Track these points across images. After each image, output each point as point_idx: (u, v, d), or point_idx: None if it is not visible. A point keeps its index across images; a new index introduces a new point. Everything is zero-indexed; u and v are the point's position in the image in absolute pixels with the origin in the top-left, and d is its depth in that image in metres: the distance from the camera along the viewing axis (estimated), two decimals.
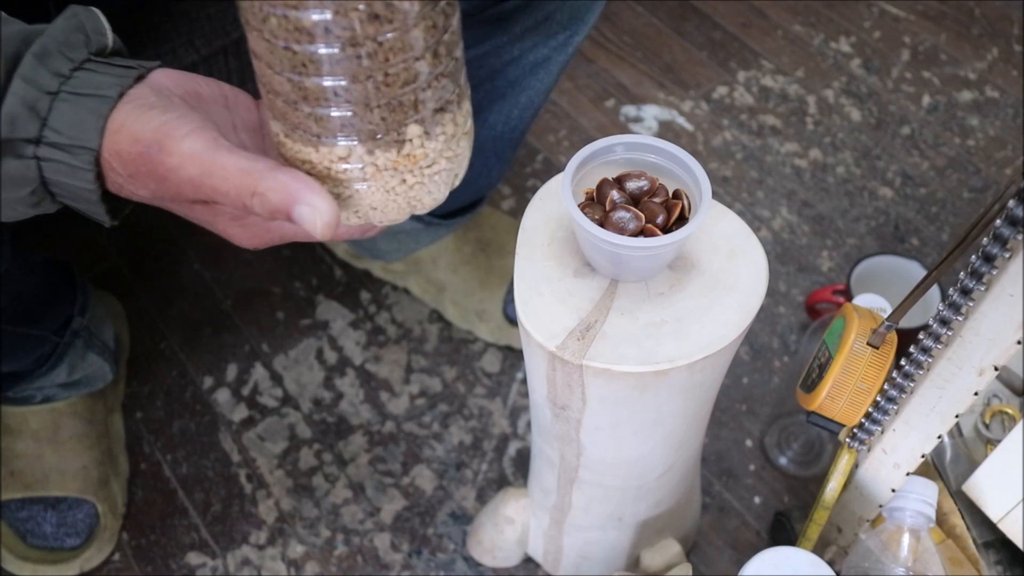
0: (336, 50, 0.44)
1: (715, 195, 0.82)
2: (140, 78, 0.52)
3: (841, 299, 1.05)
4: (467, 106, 0.52)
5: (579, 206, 0.60)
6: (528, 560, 0.94)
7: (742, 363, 1.10)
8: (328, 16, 0.43)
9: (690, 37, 1.48)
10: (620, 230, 0.60)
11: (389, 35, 0.44)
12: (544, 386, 0.66)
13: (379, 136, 0.48)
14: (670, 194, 0.63)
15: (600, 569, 0.88)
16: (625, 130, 1.34)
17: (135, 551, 0.96)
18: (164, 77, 0.53)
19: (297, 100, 0.47)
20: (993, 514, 0.76)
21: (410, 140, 0.49)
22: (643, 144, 0.64)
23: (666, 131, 1.34)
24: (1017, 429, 0.73)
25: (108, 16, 0.55)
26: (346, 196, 0.51)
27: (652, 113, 1.37)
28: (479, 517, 0.93)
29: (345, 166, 0.49)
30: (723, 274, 0.65)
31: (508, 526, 0.89)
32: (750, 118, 1.36)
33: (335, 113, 0.47)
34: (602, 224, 0.60)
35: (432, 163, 0.51)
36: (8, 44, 0.49)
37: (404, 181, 0.51)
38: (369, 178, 0.50)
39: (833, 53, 1.46)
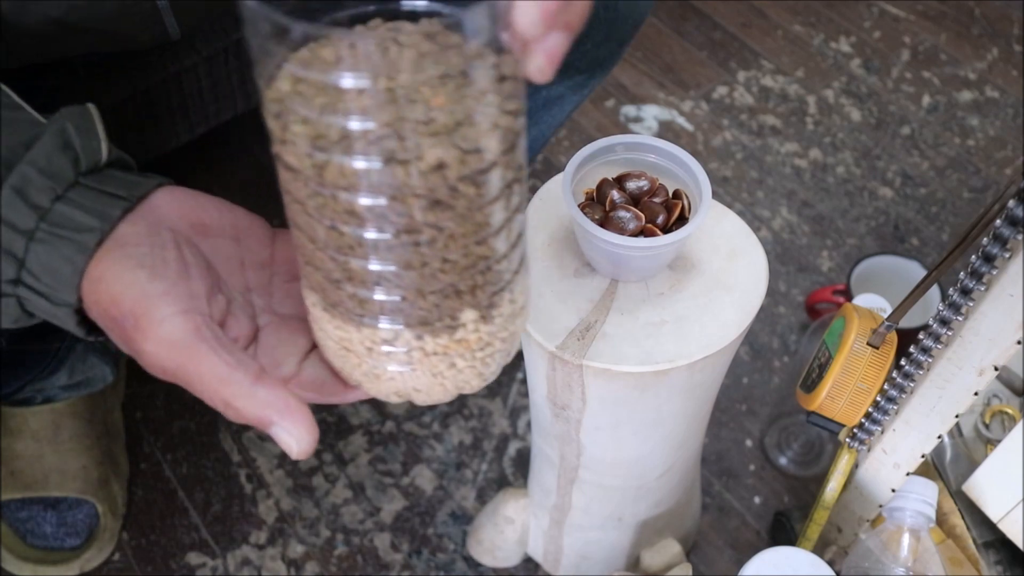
0: (389, 236, 0.39)
1: (715, 195, 0.82)
2: (135, 204, 0.46)
3: (841, 299, 1.05)
4: (527, 279, 0.47)
5: (579, 206, 0.60)
6: (528, 560, 0.94)
7: (742, 363, 1.10)
8: (383, 202, 0.38)
9: (690, 37, 1.48)
10: (620, 230, 0.60)
11: (450, 223, 0.39)
12: (544, 386, 0.66)
13: (430, 322, 0.43)
14: (670, 194, 0.63)
15: (600, 569, 0.88)
16: (625, 130, 1.34)
17: (135, 551, 0.96)
18: (167, 203, 0.47)
19: (340, 279, 0.42)
20: (993, 514, 0.76)
21: (464, 325, 0.44)
22: (643, 144, 0.64)
23: (666, 131, 1.34)
24: (1017, 429, 0.73)
25: (108, 14, 0.55)
26: (387, 377, 0.46)
27: (652, 113, 1.37)
28: (479, 517, 0.93)
29: (389, 348, 0.44)
30: (723, 274, 0.65)
31: (508, 526, 0.89)
32: (750, 118, 1.36)
33: (382, 297, 0.42)
34: (602, 224, 0.60)
35: (486, 345, 0.46)
36: None
37: (454, 365, 0.45)
38: (415, 362, 0.45)
39: (833, 53, 1.46)
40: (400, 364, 0.45)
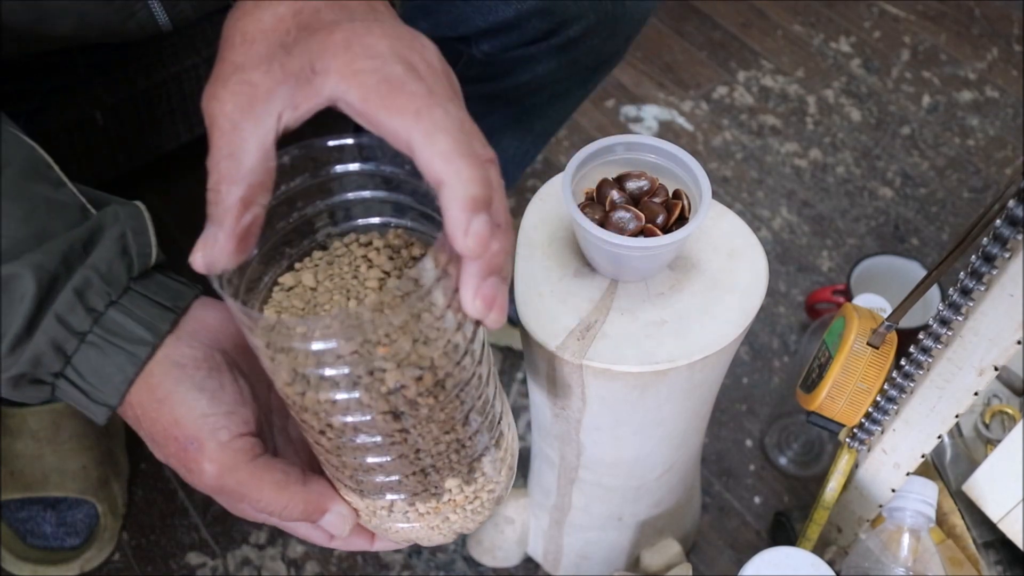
0: (367, 440, 0.46)
1: (715, 195, 0.82)
2: (180, 316, 0.50)
3: (841, 299, 1.05)
4: (508, 437, 0.54)
5: (579, 206, 0.60)
6: (528, 560, 0.94)
7: (742, 363, 1.10)
8: (358, 419, 0.45)
9: (690, 37, 1.48)
10: (620, 230, 0.60)
11: (414, 427, 0.46)
12: (544, 386, 0.66)
13: (417, 493, 0.50)
14: (670, 194, 0.63)
15: (600, 569, 0.88)
16: (625, 130, 1.34)
17: (135, 551, 0.96)
18: (210, 318, 0.51)
19: (337, 466, 0.49)
20: (993, 514, 0.76)
21: (449, 491, 0.51)
22: (643, 144, 0.64)
23: (666, 131, 1.34)
24: (1017, 429, 0.73)
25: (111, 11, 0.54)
26: (393, 531, 0.53)
27: (652, 113, 1.37)
28: None
29: (388, 512, 0.52)
30: (723, 274, 0.65)
31: (508, 526, 0.89)
32: (750, 118, 1.36)
33: (373, 479, 0.49)
34: (602, 224, 0.60)
35: (474, 499, 0.52)
36: (49, 259, 0.47)
37: (447, 519, 0.53)
38: (412, 520, 0.52)
39: (833, 53, 1.46)
40: (400, 522, 0.52)
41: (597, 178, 0.64)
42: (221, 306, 0.51)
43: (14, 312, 0.46)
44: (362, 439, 0.46)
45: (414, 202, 0.49)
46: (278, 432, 0.54)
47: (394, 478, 0.49)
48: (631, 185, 0.63)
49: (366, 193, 0.49)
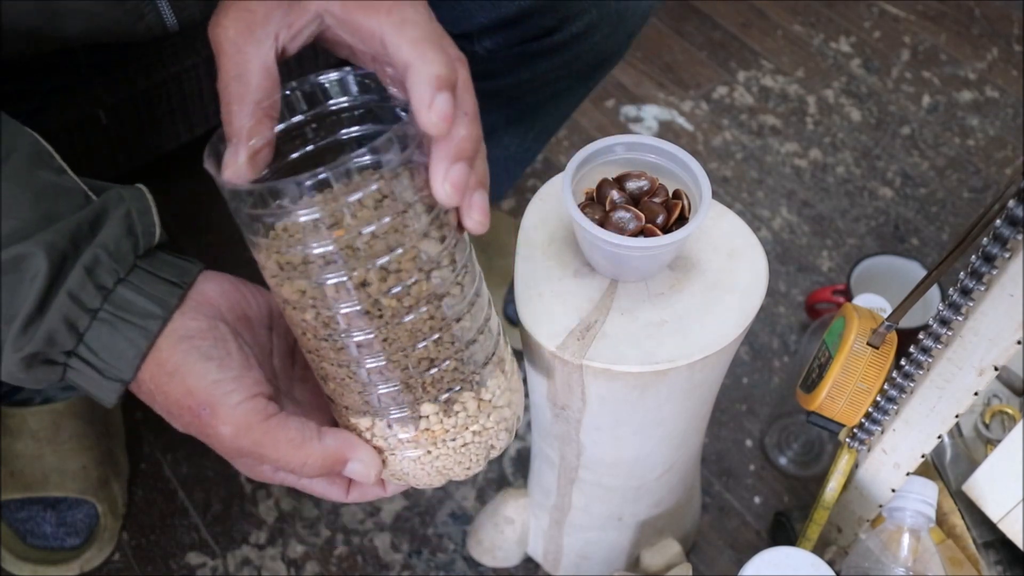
0: (339, 341, 0.49)
1: (715, 195, 0.82)
2: (187, 291, 0.51)
3: (841, 299, 1.05)
4: (494, 383, 0.54)
5: (579, 206, 0.60)
6: (528, 560, 0.94)
7: (742, 363, 1.10)
8: (345, 309, 0.47)
9: (690, 37, 1.48)
10: (620, 230, 0.60)
11: (379, 330, 0.48)
12: (544, 386, 0.66)
13: (394, 414, 0.52)
14: (670, 194, 0.63)
15: (600, 569, 0.88)
16: (625, 130, 1.34)
17: (135, 551, 0.96)
18: (212, 291, 0.52)
19: (323, 378, 0.52)
20: (993, 514, 0.76)
21: (426, 417, 0.52)
22: (643, 144, 0.64)
23: (666, 131, 1.34)
24: (1017, 429, 0.73)
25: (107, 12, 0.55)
26: (383, 460, 0.54)
27: (652, 113, 1.37)
28: (479, 517, 0.93)
29: (371, 436, 0.53)
30: (723, 274, 0.65)
31: (508, 526, 0.89)
32: (750, 118, 1.36)
33: (352, 394, 0.51)
34: (602, 224, 0.60)
35: (455, 438, 0.53)
36: (59, 238, 0.48)
37: (429, 452, 0.53)
38: (395, 449, 0.53)
39: (833, 53, 1.46)
40: (386, 451, 0.53)
41: (597, 178, 0.64)
42: (222, 279, 0.53)
43: (27, 291, 0.47)
44: (356, 336, 0.48)
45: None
46: (284, 396, 0.55)
47: (370, 394, 0.50)
48: (631, 185, 0.63)
49: (365, 127, 0.52)
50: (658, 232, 0.60)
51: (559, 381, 0.64)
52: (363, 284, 0.46)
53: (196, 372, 0.49)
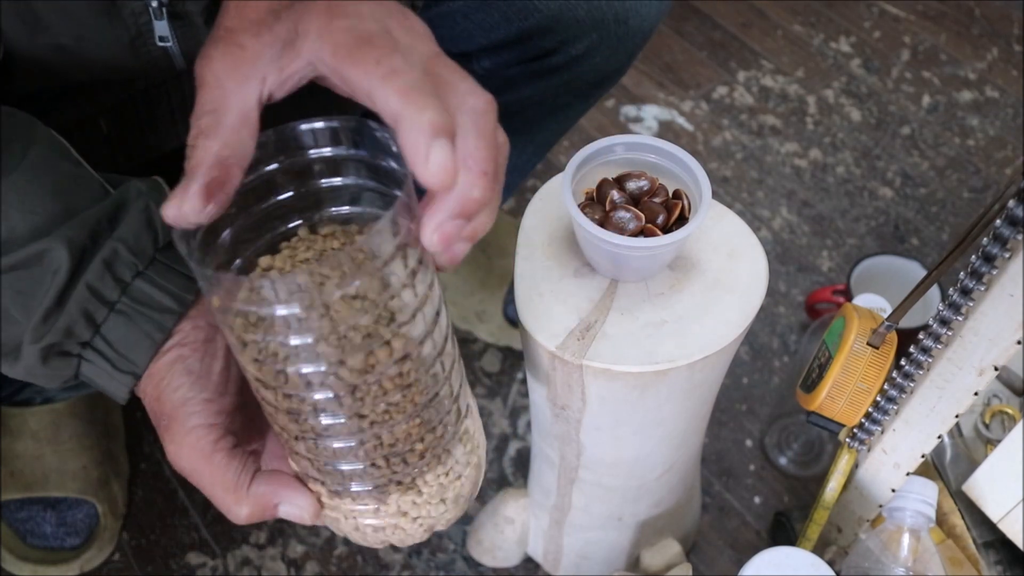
0: (331, 418, 0.46)
1: (715, 195, 0.82)
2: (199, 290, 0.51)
3: (841, 299, 1.05)
4: (453, 459, 0.52)
5: (579, 206, 0.60)
6: (528, 560, 0.94)
7: (742, 363, 1.10)
8: (320, 395, 0.45)
9: (690, 37, 1.48)
10: (620, 230, 0.60)
11: (337, 420, 0.46)
12: (544, 386, 0.66)
13: (382, 485, 0.50)
14: (670, 194, 0.63)
15: (600, 569, 0.88)
16: (625, 130, 1.34)
17: (135, 551, 0.96)
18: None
19: (306, 454, 0.49)
20: (993, 514, 0.76)
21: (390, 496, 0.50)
22: (643, 144, 0.64)
23: (666, 131, 1.34)
24: (1017, 429, 0.73)
25: (116, 51, 0.55)
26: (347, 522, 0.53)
27: (652, 113, 1.37)
28: (479, 517, 0.93)
29: (334, 506, 0.52)
30: (723, 274, 0.65)
31: (508, 526, 0.89)
32: (750, 118, 1.36)
33: (324, 466, 0.49)
34: (602, 224, 0.60)
35: (417, 519, 0.52)
36: (79, 233, 0.48)
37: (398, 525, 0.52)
38: (336, 507, 0.52)
39: (833, 53, 1.46)
40: (327, 507, 0.52)
41: (597, 178, 0.64)
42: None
43: (49, 284, 0.48)
44: (324, 419, 0.46)
45: (397, 190, 0.48)
46: (252, 427, 0.54)
47: (347, 471, 0.49)
48: (631, 185, 0.63)
49: (347, 180, 0.48)
50: (658, 232, 0.60)
51: (559, 381, 0.64)
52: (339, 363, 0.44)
53: (172, 384, 0.49)
